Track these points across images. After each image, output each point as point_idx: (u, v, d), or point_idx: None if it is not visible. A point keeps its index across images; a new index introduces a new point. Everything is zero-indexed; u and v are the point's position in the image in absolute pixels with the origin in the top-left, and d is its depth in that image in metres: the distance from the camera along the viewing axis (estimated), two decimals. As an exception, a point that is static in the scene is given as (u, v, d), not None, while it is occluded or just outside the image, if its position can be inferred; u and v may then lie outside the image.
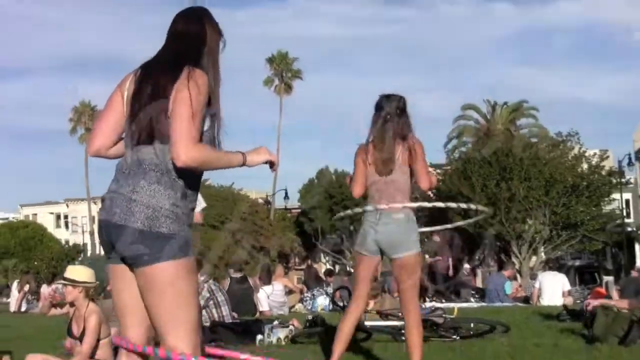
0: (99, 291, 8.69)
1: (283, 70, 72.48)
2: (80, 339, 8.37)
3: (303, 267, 45.76)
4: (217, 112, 4.15)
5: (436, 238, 26.64)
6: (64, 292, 8.78)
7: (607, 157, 38.10)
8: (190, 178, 4.08)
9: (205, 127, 4.07)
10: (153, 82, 4.06)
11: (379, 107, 6.94)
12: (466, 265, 33.94)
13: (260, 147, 4.26)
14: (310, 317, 12.12)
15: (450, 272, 24.89)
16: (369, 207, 6.88)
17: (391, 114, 6.84)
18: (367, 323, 11.05)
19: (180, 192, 4.03)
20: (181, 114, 3.91)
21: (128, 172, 4.06)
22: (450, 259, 25.84)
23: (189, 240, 4.04)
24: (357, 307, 7.05)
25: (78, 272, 8.74)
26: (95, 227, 4.20)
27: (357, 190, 7.05)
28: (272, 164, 4.27)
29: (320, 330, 10.93)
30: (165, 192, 3.98)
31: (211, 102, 4.08)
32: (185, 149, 3.85)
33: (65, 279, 8.59)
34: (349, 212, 8.05)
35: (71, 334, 8.66)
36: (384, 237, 6.75)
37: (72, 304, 8.66)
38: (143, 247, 3.93)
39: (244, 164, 4.17)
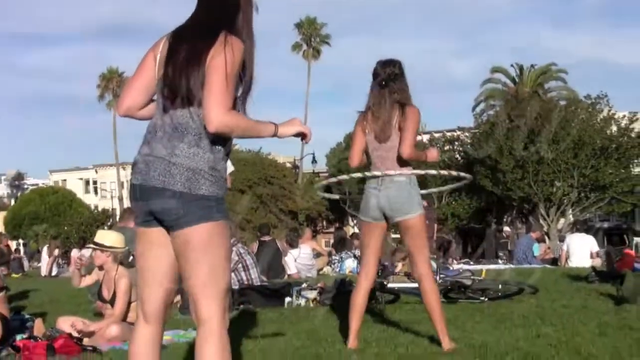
0: (127, 257, 8.74)
1: (311, 36, 72.27)
2: (111, 302, 8.45)
3: (331, 230, 45.81)
4: (251, 79, 4.17)
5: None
6: (93, 257, 8.85)
7: (637, 119, 37.70)
8: (226, 142, 4.09)
9: (238, 93, 4.08)
10: (188, 46, 4.05)
11: (375, 74, 6.88)
12: (506, 229, 33.96)
13: (293, 119, 4.24)
14: (338, 279, 12.16)
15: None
16: (357, 174, 6.91)
17: (386, 80, 6.78)
18: (395, 285, 11.10)
19: (218, 155, 4.04)
20: (216, 80, 3.91)
21: (163, 135, 4.06)
22: (435, 224, 25.80)
23: (224, 204, 4.07)
24: (366, 277, 7.07)
25: (108, 236, 8.82)
26: (125, 192, 4.21)
27: (354, 160, 7.00)
28: (304, 136, 4.25)
29: (348, 292, 10.98)
30: (204, 155, 3.97)
31: (246, 68, 4.09)
32: (217, 115, 3.85)
33: (95, 243, 8.67)
34: (332, 179, 8.02)
35: (101, 298, 8.75)
36: (386, 201, 6.73)
37: (101, 268, 8.75)
38: (183, 209, 3.95)
39: (275, 135, 4.14)
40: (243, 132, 4.01)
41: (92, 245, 8.82)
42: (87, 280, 9.40)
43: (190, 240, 3.98)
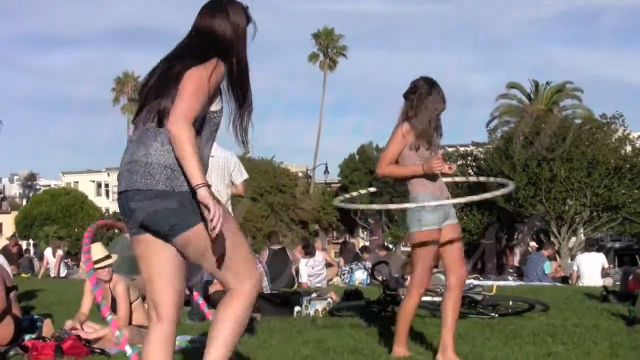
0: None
1: (328, 46, 72.33)
2: (113, 309, 8.42)
3: (341, 240, 45.76)
4: (248, 104, 4.25)
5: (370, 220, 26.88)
6: (101, 276, 8.65)
7: (652, 140, 37.58)
8: (203, 126, 4.12)
9: (214, 108, 4.14)
10: (167, 70, 4.13)
11: (417, 87, 6.89)
12: (532, 243, 33.76)
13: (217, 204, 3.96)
14: (348, 290, 12.13)
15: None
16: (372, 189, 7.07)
17: (424, 94, 6.82)
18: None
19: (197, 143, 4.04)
20: (186, 88, 3.97)
21: (138, 138, 4.10)
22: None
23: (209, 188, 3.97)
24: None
25: (101, 250, 8.76)
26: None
27: (385, 167, 6.94)
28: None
29: (358, 304, 10.94)
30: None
31: (222, 94, 4.18)
32: (174, 120, 3.91)
33: (97, 262, 8.53)
34: (354, 193, 8.06)
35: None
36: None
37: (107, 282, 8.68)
38: (171, 216, 3.97)
39: (194, 187, 3.92)
40: (180, 151, 3.90)
41: (100, 265, 8.64)
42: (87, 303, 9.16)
43: (191, 242, 4.03)
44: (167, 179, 3.97)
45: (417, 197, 6.79)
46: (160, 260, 4.14)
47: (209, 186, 3.92)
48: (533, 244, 33.80)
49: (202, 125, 4.07)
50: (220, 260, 4.06)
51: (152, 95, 4.10)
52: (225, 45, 4.16)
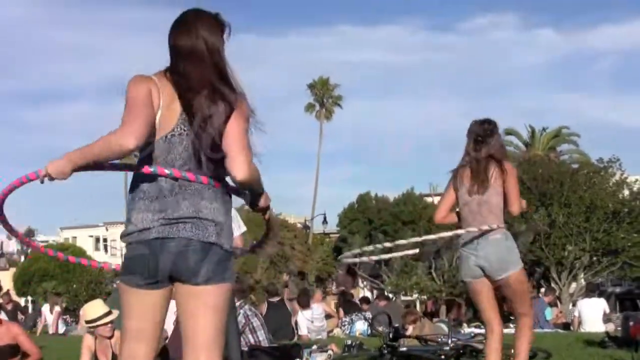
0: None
1: (324, 96, 72.50)
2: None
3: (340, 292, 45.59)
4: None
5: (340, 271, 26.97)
6: (103, 333, 8.59)
7: (649, 183, 37.62)
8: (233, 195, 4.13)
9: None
10: (214, 111, 3.97)
11: (470, 131, 7.04)
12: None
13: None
14: (348, 342, 12.05)
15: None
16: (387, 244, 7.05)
17: (483, 135, 6.95)
18: (407, 348, 10.97)
19: (229, 207, 4.08)
20: (239, 133, 3.94)
21: (178, 193, 3.96)
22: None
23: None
24: (492, 334, 7.11)
25: (100, 307, 8.69)
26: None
27: (438, 215, 7.15)
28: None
29: (358, 356, 10.86)
30: (221, 209, 4.00)
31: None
32: (244, 165, 3.91)
33: (94, 321, 8.46)
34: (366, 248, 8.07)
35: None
36: (485, 260, 6.80)
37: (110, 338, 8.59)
38: (209, 265, 3.92)
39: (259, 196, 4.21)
40: (258, 182, 4.04)
41: (103, 322, 8.57)
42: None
43: (207, 299, 3.95)
44: (216, 234, 3.96)
45: (510, 235, 7.03)
46: (154, 317, 4.03)
47: None
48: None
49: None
50: (210, 336, 3.98)
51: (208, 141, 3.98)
52: (226, 69, 4.06)
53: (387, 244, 7.27)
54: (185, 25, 4.09)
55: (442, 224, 7.30)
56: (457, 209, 7.10)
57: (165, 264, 3.92)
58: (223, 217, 4.00)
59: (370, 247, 7.44)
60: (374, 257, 7.79)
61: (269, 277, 52.15)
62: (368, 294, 42.27)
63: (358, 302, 24.46)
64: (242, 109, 3.98)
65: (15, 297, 33.56)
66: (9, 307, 28.95)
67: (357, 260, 8.76)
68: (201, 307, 3.96)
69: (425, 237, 7.16)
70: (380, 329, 11.08)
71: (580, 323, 19.10)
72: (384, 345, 10.69)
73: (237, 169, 3.89)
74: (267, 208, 4.24)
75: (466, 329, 17.24)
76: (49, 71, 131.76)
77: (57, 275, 62.43)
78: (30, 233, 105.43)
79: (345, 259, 7.92)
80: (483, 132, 6.96)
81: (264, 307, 17.17)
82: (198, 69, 4.01)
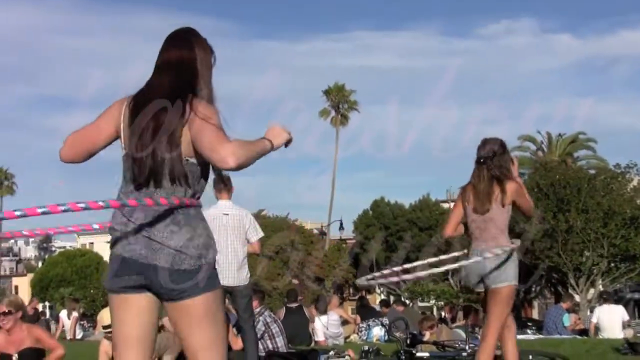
0: None
1: (339, 102, 72.35)
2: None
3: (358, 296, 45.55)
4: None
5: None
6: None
7: (667, 188, 37.47)
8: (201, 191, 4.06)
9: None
10: (155, 119, 3.94)
11: (477, 150, 7.30)
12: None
13: (274, 127, 4.05)
14: (365, 347, 12.03)
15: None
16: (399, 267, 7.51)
17: (484, 157, 7.19)
18: (424, 354, 10.96)
19: (200, 210, 4.02)
20: (209, 128, 3.80)
21: (150, 214, 3.98)
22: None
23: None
24: (502, 336, 7.35)
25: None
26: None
27: (447, 231, 7.44)
28: (289, 141, 4.09)
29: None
30: (196, 226, 3.95)
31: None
32: (226, 150, 3.69)
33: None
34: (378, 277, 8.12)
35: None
36: (484, 269, 7.05)
37: None
38: (190, 280, 3.88)
39: (272, 149, 3.95)
40: (252, 157, 3.79)
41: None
42: None
43: (192, 311, 3.92)
44: (198, 257, 3.91)
45: (515, 255, 7.28)
46: (141, 323, 4.04)
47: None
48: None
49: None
50: (206, 341, 3.95)
51: (149, 153, 3.99)
52: (196, 79, 4.04)
53: (406, 266, 7.58)
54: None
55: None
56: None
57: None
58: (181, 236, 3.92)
59: (387, 271, 7.68)
60: (394, 279, 7.97)
61: (285, 282, 52.10)
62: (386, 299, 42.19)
63: (376, 306, 24.40)
64: (198, 110, 3.88)
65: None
66: (31, 312, 29.09)
67: (373, 282, 8.92)
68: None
69: (430, 271, 7.34)
70: (397, 334, 11.06)
71: (598, 329, 18.99)
72: (401, 351, 10.67)
73: (223, 161, 3.70)
74: (291, 139, 4.06)
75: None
76: (75, 77, 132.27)
77: (74, 281, 62.63)
78: (47, 239, 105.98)
79: (362, 282, 7.98)
80: (485, 154, 7.22)
81: (282, 313, 17.16)
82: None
